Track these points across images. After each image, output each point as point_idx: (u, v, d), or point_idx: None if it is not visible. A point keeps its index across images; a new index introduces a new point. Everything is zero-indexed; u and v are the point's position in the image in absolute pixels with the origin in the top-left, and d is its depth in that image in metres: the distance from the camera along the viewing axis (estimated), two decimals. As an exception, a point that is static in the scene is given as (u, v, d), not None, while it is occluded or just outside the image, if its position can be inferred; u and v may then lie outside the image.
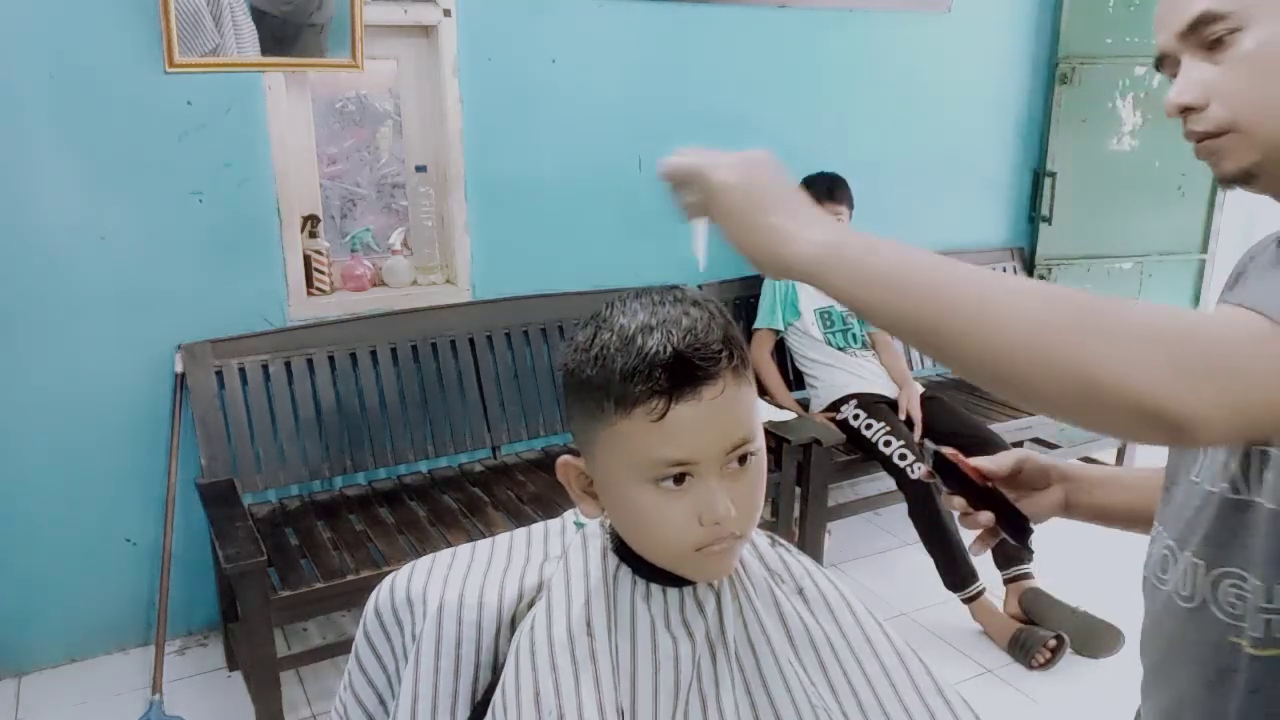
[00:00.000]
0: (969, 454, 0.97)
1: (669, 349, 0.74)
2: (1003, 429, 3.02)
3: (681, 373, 0.74)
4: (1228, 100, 0.72)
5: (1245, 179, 0.74)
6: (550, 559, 0.87)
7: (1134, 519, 0.96)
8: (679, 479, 0.76)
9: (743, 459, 0.78)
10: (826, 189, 3.00)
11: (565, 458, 0.83)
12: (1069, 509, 0.99)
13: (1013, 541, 0.95)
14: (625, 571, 0.84)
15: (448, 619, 0.82)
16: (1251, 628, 0.76)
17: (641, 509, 0.77)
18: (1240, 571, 0.77)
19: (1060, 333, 0.60)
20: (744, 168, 0.76)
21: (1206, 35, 0.71)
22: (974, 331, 0.63)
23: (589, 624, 0.80)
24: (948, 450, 0.97)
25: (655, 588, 0.83)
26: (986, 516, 0.95)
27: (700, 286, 3.11)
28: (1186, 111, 0.75)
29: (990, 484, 0.97)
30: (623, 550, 0.84)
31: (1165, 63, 0.77)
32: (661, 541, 0.79)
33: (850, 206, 3.03)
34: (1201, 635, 0.80)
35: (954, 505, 0.97)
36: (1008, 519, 0.95)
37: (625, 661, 0.79)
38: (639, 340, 0.75)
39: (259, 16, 2.38)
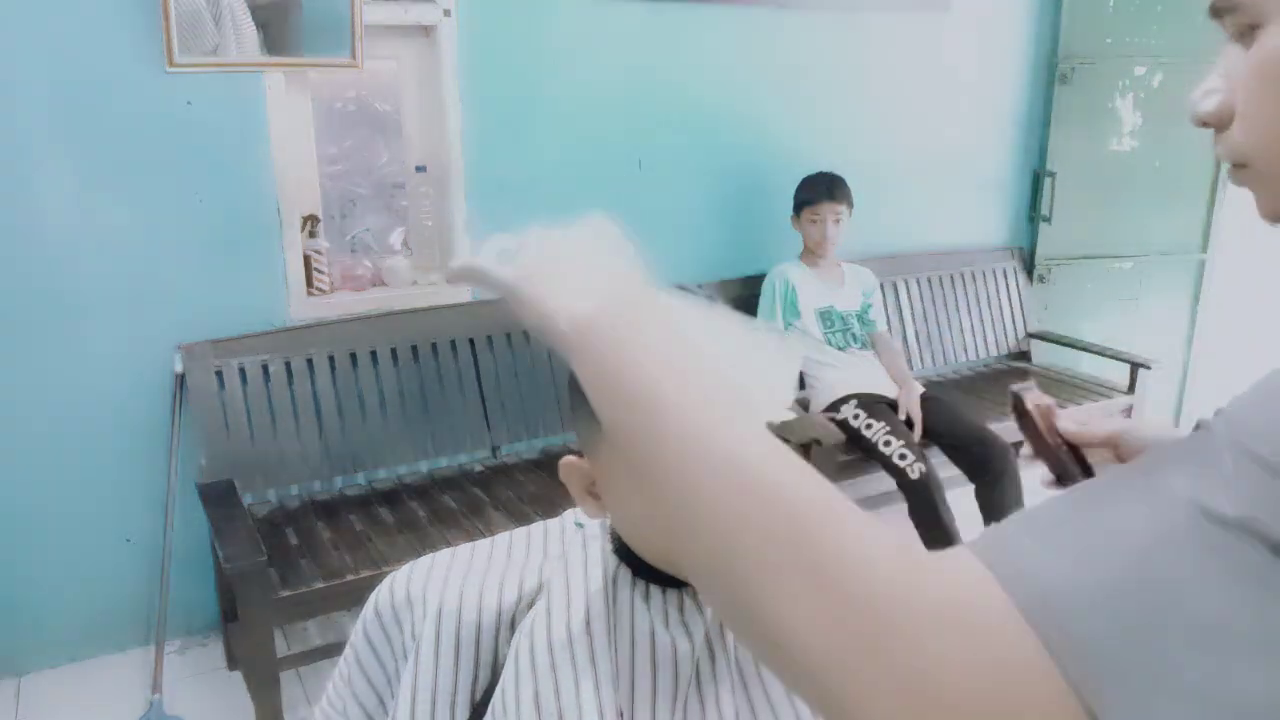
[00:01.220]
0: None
1: None
2: (1004, 429, 3.02)
3: None
4: (1244, 122, 0.53)
5: None
6: (550, 559, 0.87)
7: None
8: None
9: None
10: (826, 189, 3.00)
11: (568, 458, 0.83)
12: None
13: None
14: (625, 572, 0.84)
15: (447, 619, 0.82)
16: None
17: (645, 514, 0.78)
18: None
19: (743, 534, 0.47)
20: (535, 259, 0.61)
21: (1226, 24, 0.53)
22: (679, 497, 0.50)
23: (588, 625, 0.80)
24: (1031, 397, 0.84)
25: (655, 588, 0.83)
26: (1045, 477, 0.83)
27: (700, 285, 3.10)
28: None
29: (1066, 445, 0.82)
30: (623, 551, 0.84)
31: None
32: (664, 546, 0.79)
33: (850, 206, 3.04)
34: None
35: (1025, 455, 0.87)
36: (1073, 463, 0.81)
37: (624, 662, 0.79)
38: None
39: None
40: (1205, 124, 0.56)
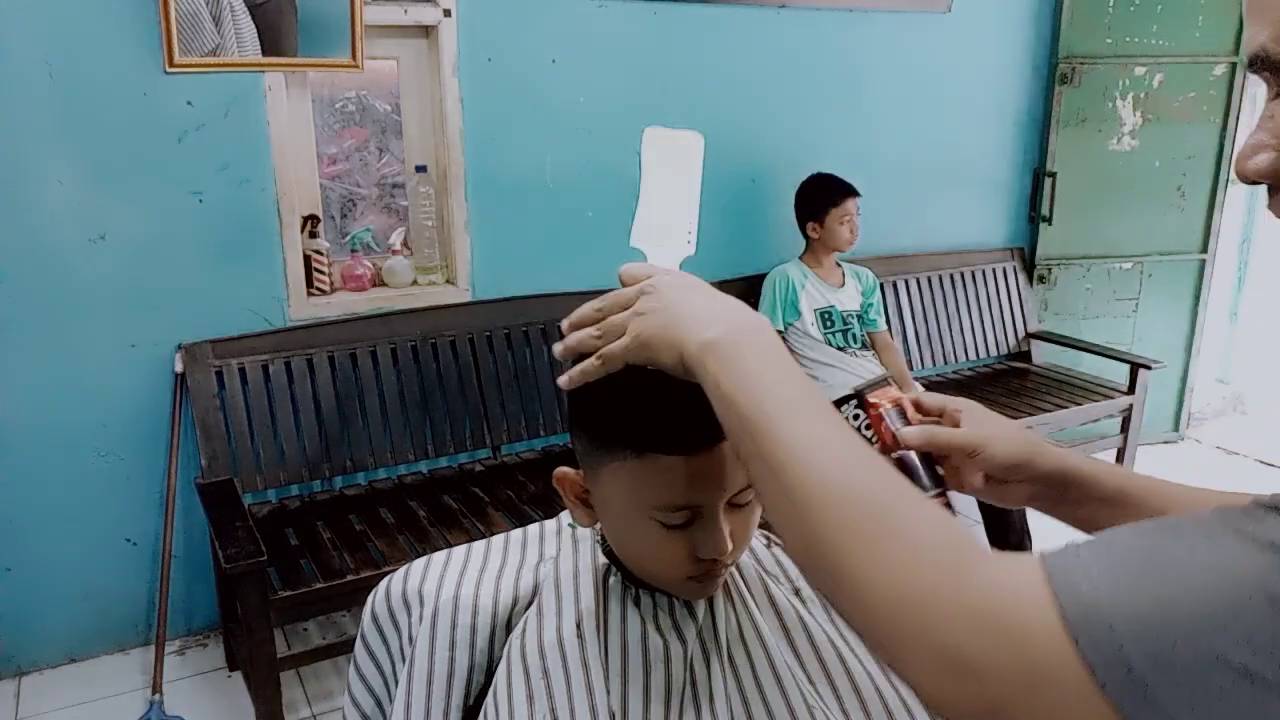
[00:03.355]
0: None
1: (690, 401, 0.68)
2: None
3: (699, 428, 0.71)
4: None
5: None
6: (546, 560, 0.88)
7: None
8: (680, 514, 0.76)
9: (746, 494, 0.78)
10: (843, 187, 3.02)
11: (562, 470, 0.83)
12: (1052, 513, 0.80)
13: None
14: (616, 576, 0.84)
15: (443, 621, 0.82)
16: None
17: (639, 539, 0.78)
18: None
19: (839, 508, 0.56)
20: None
21: (1269, 80, 0.51)
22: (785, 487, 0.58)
23: (579, 627, 0.80)
24: (877, 394, 0.85)
25: (645, 592, 0.83)
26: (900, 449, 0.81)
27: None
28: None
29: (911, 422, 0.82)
30: (613, 554, 0.84)
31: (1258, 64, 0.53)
32: (655, 568, 0.80)
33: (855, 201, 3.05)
34: None
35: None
36: (920, 465, 0.79)
37: (616, 663, 0.79)
38: (659, 385, 0.71)
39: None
40: (1255, 182, 0.54)
